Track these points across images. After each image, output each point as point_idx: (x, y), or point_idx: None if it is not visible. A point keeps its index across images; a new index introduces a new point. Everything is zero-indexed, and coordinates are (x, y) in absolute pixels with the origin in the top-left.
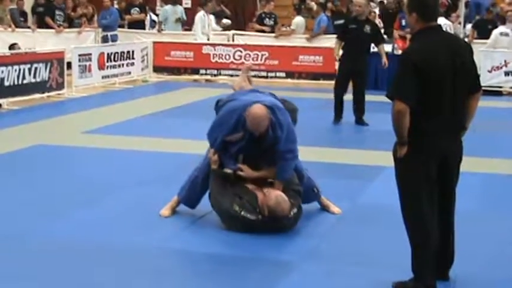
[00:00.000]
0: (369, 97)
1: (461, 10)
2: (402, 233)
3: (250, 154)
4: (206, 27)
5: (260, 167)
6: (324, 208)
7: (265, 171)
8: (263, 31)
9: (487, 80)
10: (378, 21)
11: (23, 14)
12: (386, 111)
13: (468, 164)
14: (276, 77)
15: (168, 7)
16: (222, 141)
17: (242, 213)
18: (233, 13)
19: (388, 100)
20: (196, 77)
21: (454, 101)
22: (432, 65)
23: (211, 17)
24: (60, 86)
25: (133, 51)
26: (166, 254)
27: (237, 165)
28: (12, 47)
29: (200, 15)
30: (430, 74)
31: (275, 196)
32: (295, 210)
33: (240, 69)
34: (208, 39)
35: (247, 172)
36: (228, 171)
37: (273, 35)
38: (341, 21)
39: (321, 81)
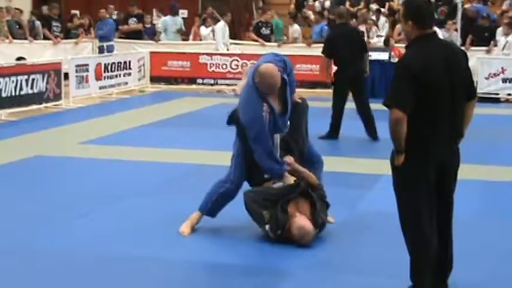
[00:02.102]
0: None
1: (458, 18)
2: (400, 241)
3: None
4: (226, 38)
5: (293, 153)
6: None
7: (309, 173)
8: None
9: (484, 87)
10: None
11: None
12: (383, 119)
13: (466, 171)
14: None
15: (168, 18)
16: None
17: (266, 227)
18: (230, 22)
19: (385, 108)
20: (201, 86)
21: (450, 108)
22: (428, 73)
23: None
24: (57, 96)
25: (130, 62)
26: (163, 264)
27: (284, 161)
28: (19, 60)
29: (221, 25)
30: (427, 81)
31: (298, 227)
32: (317, 230)
33: (237, 79)
34: (227, 50)
35: (293, 167)
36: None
37: (269, 44)
38: None
39: (317, 90)
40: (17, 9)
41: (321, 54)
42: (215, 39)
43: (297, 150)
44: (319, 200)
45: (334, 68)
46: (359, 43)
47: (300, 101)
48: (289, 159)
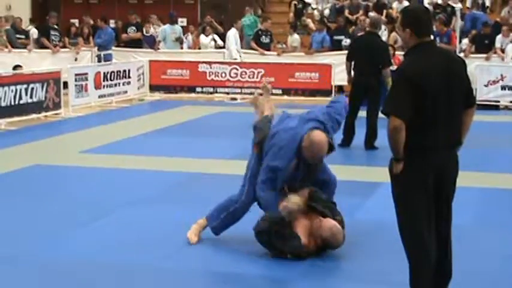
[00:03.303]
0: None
1: (457, 25)
2: (399, 249)
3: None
4: (237, 44)
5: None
6: None
7: (303, 193)
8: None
9: (483, 94)
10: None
11: (23, 33)
12: (382, 127)
13: (465, 179)
14: (272, 94)
15: (167, 26)
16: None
17: (288, 256)
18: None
19: (383, 116)
20: (201, 95)
21: (449, 116)
22: (427, 80)
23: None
24: (56, 105)
25: (129, 70)
26: (165, 273)
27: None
28: (15, 68)
29: (233, 32)
30: (425, 89)
31: (329, 228)
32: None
33: (236, 87)
34: (240, 57)
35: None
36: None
37: (269, 53)
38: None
39: (317, 98)
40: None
41: (323, 62)
42: (228, 46)
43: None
44: (322, 204)
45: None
46: (381, 55)
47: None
48: (282, 206)
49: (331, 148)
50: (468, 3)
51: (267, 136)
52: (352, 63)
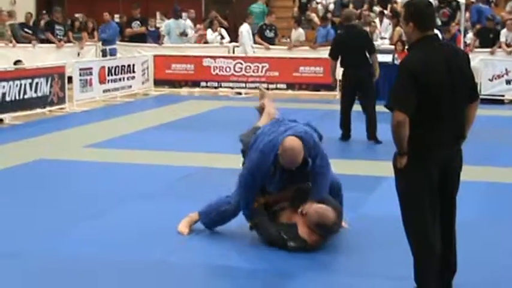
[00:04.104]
0: None
1: (462, 19)
2: (404, 243)
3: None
4: (251, 40)
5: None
6: None
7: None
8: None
9: (488, 88)
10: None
11: (31, 28)
12: (386, 121)
13: (469, 173)
14: (276, 88)
15: (171, 21)
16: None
17: (291, 243)
18: (232, 25)
19: (387, 110)
20: (205, 89)
21: (452, 110)
22: (430, 75)
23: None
24: (61, 100)
25: (133, 65)
26: (168, 268)
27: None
28: (16, 63)
29: (246, 28)
30: (429, 83)
31: (315, 211)
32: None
33: (241, 81)
34: (254, 52)
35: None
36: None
37: (274, 47)
38: None
39: (321, 92)
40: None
41: (326, 56)
42: (241, 42)
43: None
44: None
45: (341, 70)
46: (366, 45)
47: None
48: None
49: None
50: None
51: (249, 144)
52: (338, 61)
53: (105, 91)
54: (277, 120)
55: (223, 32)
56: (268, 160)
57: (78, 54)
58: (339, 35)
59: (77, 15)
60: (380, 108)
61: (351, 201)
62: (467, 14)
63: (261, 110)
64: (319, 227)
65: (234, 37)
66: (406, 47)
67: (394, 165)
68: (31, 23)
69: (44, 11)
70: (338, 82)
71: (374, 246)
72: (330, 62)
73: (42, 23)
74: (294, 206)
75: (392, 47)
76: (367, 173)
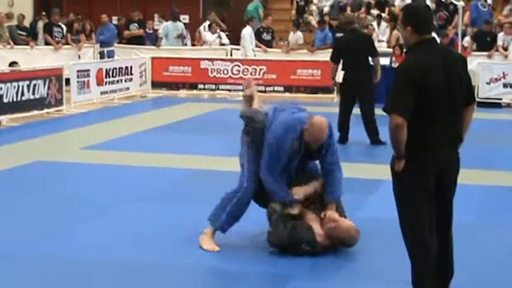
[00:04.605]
0: None
1: (459, 22)
2: (401, 246)
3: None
4: (253, 43)
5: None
6: None
7: (310, 186)
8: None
9: (485, 92)
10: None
11: (25, 30)
12: (384, 125)
13: (467, 176)
14: (274, 91)
15: (169, 23)
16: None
17: (303, 246)
18: (231, 28)
19: (385, 113)
20: (203, 92)
21: (450, 114)
22: (427, 78)
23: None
24: (59, 102)
25: (131, 67)
26: (165, 270)
27: (292, 195)
28: (11, 65)
29: (248, 31)
30: (426, 87)
31: (347, 229)
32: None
33: (238, 84)
34: (255, 55)
35: (298, 192)
36: (293, 212)
37: (271, 50)
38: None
39: (319, 95)
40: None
41: (325, 59)
42: (243, 45)
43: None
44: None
45: (342, 73)
46: (367, 48)
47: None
48: (295, 191)
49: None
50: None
51: (265, 127)
52: (340, 64)
53: (102, 93)
54: (292, 103)
55: (222, 34)
56: (294, 132)
57: (79, 57)
58: (340, 39)
59: (73, 17)
60: (378, 111)
61: (349, 204)
62: (467, 14)
63: (249, 98)
64: (340, 242)
65: (232, 39)
66: (404, 50)
67: (391, 168)
68: (27, 25)
69: (43, 13)
70: (337, 84)
71: (372, 249)
72: (331, 65)
73: (41, 24)
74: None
75: (390, 50)
76: (365, 176)
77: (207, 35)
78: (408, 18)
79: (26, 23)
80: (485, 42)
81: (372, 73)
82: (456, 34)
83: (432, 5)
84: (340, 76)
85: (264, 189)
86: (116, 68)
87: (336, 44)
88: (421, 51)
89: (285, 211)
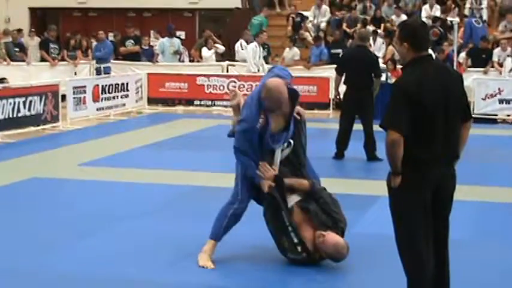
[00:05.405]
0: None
1: (455, 39)
2: (397, 263)
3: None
4: (257, 58)
5: (294, 165)
6: None
7: (299, 182)
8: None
9: (481, 107)
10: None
11: (20, 46)
12: (381, 141)
13: (462, 192)
14: None
15: (165, 39)
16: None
17: (288, 254)
18: (227, 45)
19: (381, 129)
20: (199, 108)
21: (446, 130)
22: (424, 95)
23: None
24: (55, 118)
25: (127, 83)
26: (163, 287)
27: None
28: (0, 81)
29: (252, 46)
30: (422, 103)
31: (333, 245)
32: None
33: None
34: (258, 70)
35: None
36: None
37: (266, 66)
38: (339, 50)
39: (315, 111)
40: (19, 30)
41: (321, 75)
42: (246, 59)
43: (298, 162)
44: (324, 208)
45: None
46: (372, 67)
47: (298, 117)
48: (267, 185)
49: (295, 94)
50: (467, 12)
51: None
52: (343, 77)
53: (98, 109)
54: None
55: (220, 47)
56: (254, 107)
57: (76, 74)
58: (346, 52)
59: (71, 33)
60: (374, 127)
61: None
62: (461, 31)
63: (237, 107)
64: (328, 256)
65: (228, 56)
66: (398, 66)
67: (388, 184)
68: (22, 41)
69: (33, 29)
70: (339, 96)
71: (368, 265)
72: (335, 77)
73: (32, 41)
74: (304, 209)
75: (385, 66)
76: (362, 192)
77: (204, 51)
78: (405, 35)
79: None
80: (481, 58)
81: (372, 90)
82: (452, 50)
83: (428, 21)
84: (342, 88)
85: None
86: (112, 84)
87: (342, 57)
88: (418, 68)
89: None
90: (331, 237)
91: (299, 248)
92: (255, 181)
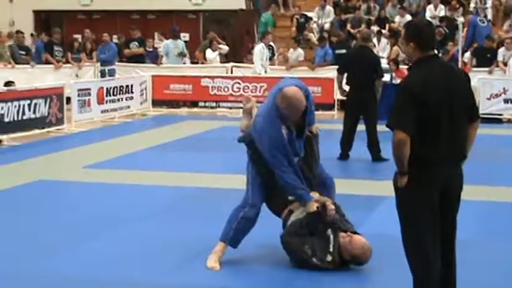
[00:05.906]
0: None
1: (459, 39)
2: (404, 263)
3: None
4: (264, 60)
5: (307, 177)
6: None
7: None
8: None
9: (486, 107)
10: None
11: (25, 49)
12: (387, 141)
13: (468, 192)
14: None
15: (170, 41)
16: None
17: (313, 259)
18: (231, 46)
19: (388, 129)
20: (203, 109)
21: (453, 130)
22: (430, 95)
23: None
24: (59, 121)
25: (132, 85)
26: None
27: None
28: (7, 84)
29: (259, 47)
30: (429, 103)
31: (361, 246)
32: None
33: (239, 101)
34: (265, 72)
35: (320, 201)
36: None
37: (272, 67)
38: (343, 51)
39: (319, 112)
40: (20, 32)
41: (326, 76)
42: (253, 61)
43: (311, 174)
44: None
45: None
46: (375, 69)
47: (315, 132)
48: (314, 194)
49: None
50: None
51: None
52: (344, 76)
53: (103, 112)
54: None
55: (224, 47)
56: (275, 119)
57: (77, 76)
58: (349, 53)
59: (75, 36)
60: (380, 127)
61: (351, 220)
62: (465, 30)
63: (250, 111)
64: (353, 257)
65: (232, 57)
66: (400, 66)
67: (394, 184)
68: (28, 44)
69: (34, 32)
70: (345, 93)
71: (374, 265)
72: (336, 76)
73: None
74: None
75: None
76: (368, 192)
77: (208, 53)
78: (411, 34)
79: (27, 42)
80: (485, 58)
81: (375, 90)
82: (457, 50)
83: (435, 21)
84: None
85: (272, 194)
86: (116, 87)
87: (344, 57)
88: (424, 68)
89: (304, 211)
90: (359, 238)
91: (329, 257)
92: (301, 199)
